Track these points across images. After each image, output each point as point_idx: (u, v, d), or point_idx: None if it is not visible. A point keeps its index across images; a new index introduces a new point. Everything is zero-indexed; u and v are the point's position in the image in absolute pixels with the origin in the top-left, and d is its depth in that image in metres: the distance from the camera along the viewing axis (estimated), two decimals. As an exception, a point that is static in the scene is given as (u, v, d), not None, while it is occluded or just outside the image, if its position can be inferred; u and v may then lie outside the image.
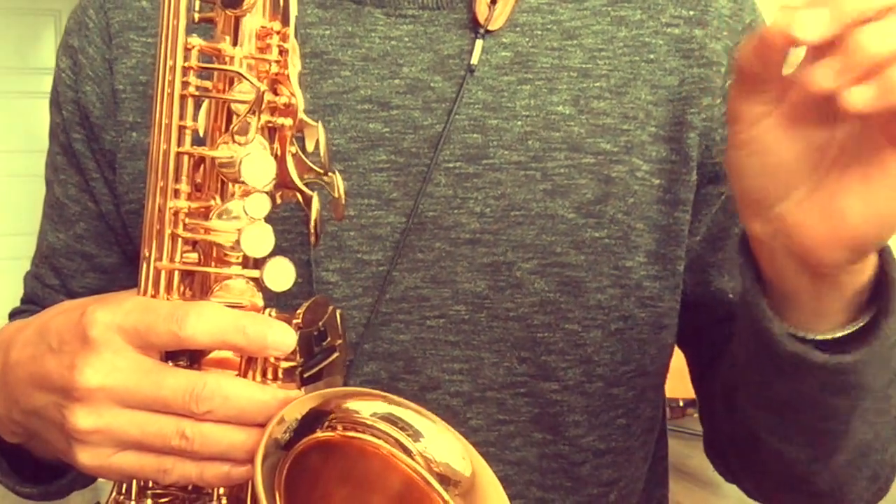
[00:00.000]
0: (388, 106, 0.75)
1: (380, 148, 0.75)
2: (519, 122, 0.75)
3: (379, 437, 0.62)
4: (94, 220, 0.83)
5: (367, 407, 0.62)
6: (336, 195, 0.63)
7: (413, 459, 0.62)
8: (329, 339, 0.64)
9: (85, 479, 0.78)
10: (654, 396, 0.82)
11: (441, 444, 0.63)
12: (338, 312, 0.65)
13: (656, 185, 0.77)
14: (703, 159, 0.78)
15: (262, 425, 0.58)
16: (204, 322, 0.57)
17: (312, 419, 0.60)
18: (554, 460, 0.78)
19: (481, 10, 0.75)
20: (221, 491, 0.63)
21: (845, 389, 0.64)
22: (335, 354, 0.64)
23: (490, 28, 0.75)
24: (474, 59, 0.75)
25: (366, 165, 0.75)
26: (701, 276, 0.82)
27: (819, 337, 0.63)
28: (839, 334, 0.63)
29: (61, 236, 0.84)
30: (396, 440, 0.62)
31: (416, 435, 0.62)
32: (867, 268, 0.60)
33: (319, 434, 0.60)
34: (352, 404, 0.62)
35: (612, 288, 0.76)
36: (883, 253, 0.61)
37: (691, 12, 0.78)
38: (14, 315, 0.86)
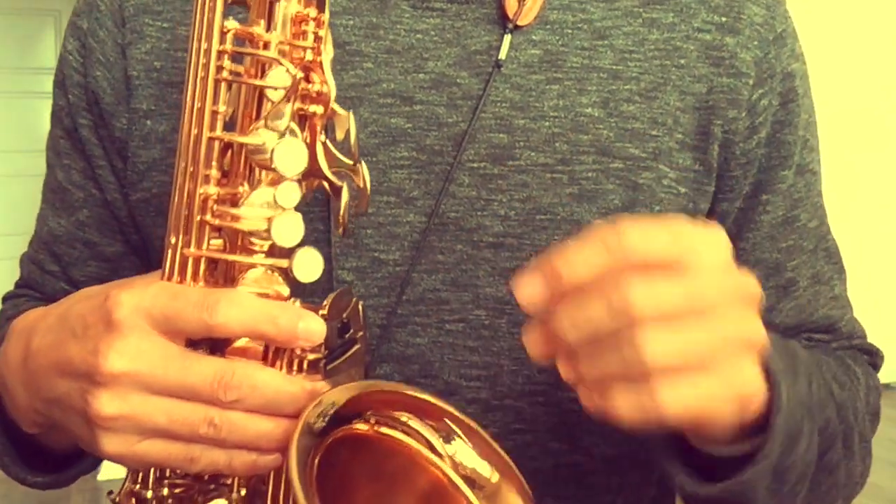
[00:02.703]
0: (411, 101, 0.73)
1: (401, 144, 0.73)
2: (546, 123, 0.74)
3: (410, 436, 0.62)
4: (99, 207, 0.81)
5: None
6: (361, 185, 0.62)
7: (441, 461, 0.62)
8: (351, 331, 0.64)
9: (92, 463, 0.77)
10: None
11: (470, 449, 0.63)
12: (360, 305, 0.64)
13: (682, 193, 0.76)
14: (720, 171, 0.77)
15: (289, 416, 0.57)
16: (235, 310, 0.56)
17: (350, 410, 0.60)
18: (569, 470, 0.77)
19: (510, 4, 0.74)
20: (239, 482, 0.62)
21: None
22: (356, 347, 0.64)
23: (519, 24, 0.74)
24: (502, 55, 0.73)
25: (386, 161, 0.73)
26: None
27: (713, 452, 0.63)
28: (724, 453, 0.63)
29: (62, 222, 0.82)
30: (427, 440, 0.62)
31: (448, 437, 0.63)
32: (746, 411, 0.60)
33: (354, 426, 0.60)
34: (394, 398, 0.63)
35: None
36: (773, 393, 0.61)
37: (724, 18, 0.77)
38: (7, 299, 0.85)
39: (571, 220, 0.73)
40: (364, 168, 0.62)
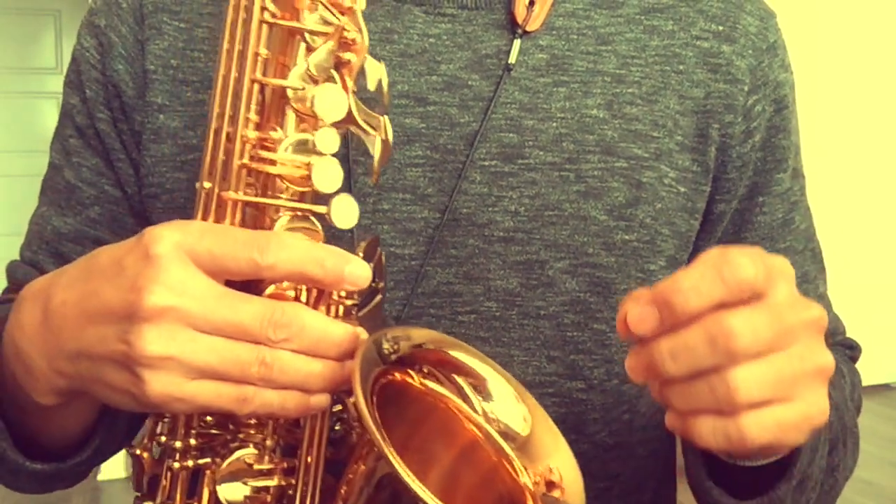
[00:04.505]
0: (424, 102, 0.76)
1: (416, 143, 0.75)
2: (554, 124, 0.76)
3: (451, 391, 0.64)
4: (111, 204, 0.81)
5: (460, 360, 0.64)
6: (384, 137, 0.62)
7: (478, 416, 0.64)
8: (376, 280, 0.64)
9: (91, 455, 0.74)
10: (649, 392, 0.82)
11: (507, 408, 0.65)
12: (383, 255, 0.65)
13: (682, 192, 0.78)
14: (717, 174, 0.80)
15: (334, 359, 0.57)
16: (286, 251, 0.55)
17: (411, 354, 0.61)
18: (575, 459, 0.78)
19: (519, 10, 0.76)
20: (269, 430, 0.62)
21: None
22: (378, 297, 0.65)
23: (527, 29, 0.76)
24: (512, 59, 0.76)
25: (401, 160, 0.75)
26: None
27: (741, 463, 0.65)
28: (753, 464, 0.65)
29: (69, 221, 0.81)
30: (467, 396, 0.64)
31: (487, 396, 0.64)
32: None
33: (406, 373, 0.61)
34: (448, 354, 0.64)
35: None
36: None
37: (720, 27, 0.80)
38: None
39: (578, 216, 0.75)
40: (387, 121, 0.62)
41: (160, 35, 0.79)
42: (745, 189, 0.81)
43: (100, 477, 3.63)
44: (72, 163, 0.82)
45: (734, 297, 0.52)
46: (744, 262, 0.52)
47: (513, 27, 0.77)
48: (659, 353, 0.54)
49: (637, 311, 0.54)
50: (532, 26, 0.77)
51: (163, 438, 0.63)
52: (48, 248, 0.82)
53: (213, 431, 0.64)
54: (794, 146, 0.83)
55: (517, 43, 0.76)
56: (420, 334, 0.63)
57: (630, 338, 0.55)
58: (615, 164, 0.76)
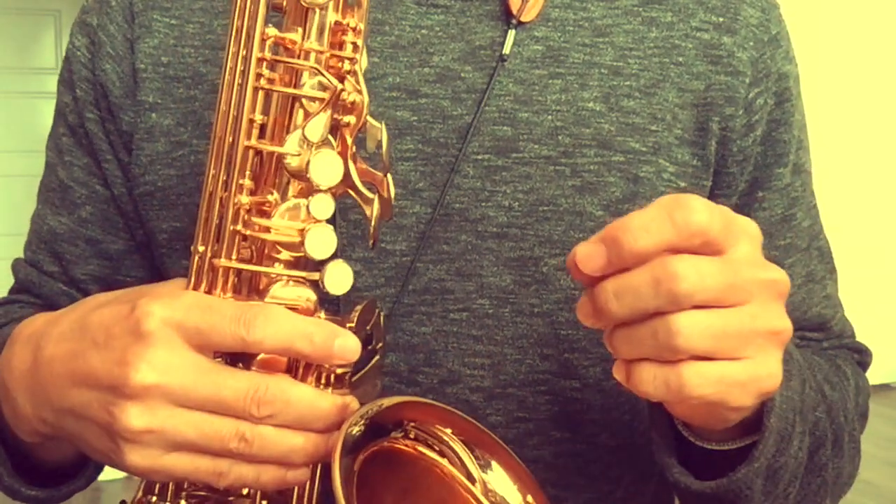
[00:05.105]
0: (416, 94, 0.74)
1: (407, 137, 0.74)
2: (549, 117, 0.75)
3: (447, 457, 0.62)
4: (102, 203, 0.81)
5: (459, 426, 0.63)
6: (386, 195, 0.62)
7: (474, 486, 0.62)
8: (373, 342, 0.63)
9: (86, 481, 0.77)
10: None
11: (504, 479, 0.64)
12: (382, 316, 0.64)
13: (682, 188, 0.77)
14: (717, 167, 0.78)
15: (319, 431, 0.57)
16: (273, 327, 0.55)
17: (390, 418, 0.60)
18: (570, 459, 0.77)
19: (514, 1, 0.75)
20: (259, 494, 0.62)
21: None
22: (376, 358, 0.64)
23: (522, 20, 0.75)
24: (506, 49, 0.74)
25: (392, 154, 0.73)
26: None
27: (707, 445, 0.64)
28: (723, 448, 0.64)
29: (63, 220, 0.81)
30: (463, 463, 0.62)
31: (483, 462, 0.63)
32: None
33: (394, 439, 0.60)
34: (446, 418, 0.63)
35: None
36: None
37: (721, 19, 0.78)
38: (0, 305, 0.84)
39: (574, 212, 0.74)
40: (389, 178, 0.62)
41: (150, 33, 0.78)
42: (745, 184, 0.80)
43: (100, 477, 3.62)
44: (64, 162, 0.82)
45: (684, 242, 0.51)
46: (697, 207, 0.51)
47: (507, 18, 0.75)
48: (604, 293, 0.53)
49: (586, 249, 0.53)
50: (527, 17, 0.75)
51: (153, 499, 0.63)
52: (46, 247, 0.83)
53: (202, 493, 0.63)
54: (797, 140, 0.82)
55: (512, 33, 0.75)
56: (390, 401, 0.62)
57: (581, 279, 0.54)
58: (612, 159, 0.75)
